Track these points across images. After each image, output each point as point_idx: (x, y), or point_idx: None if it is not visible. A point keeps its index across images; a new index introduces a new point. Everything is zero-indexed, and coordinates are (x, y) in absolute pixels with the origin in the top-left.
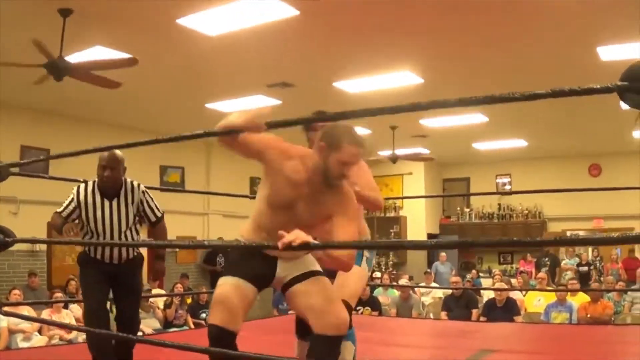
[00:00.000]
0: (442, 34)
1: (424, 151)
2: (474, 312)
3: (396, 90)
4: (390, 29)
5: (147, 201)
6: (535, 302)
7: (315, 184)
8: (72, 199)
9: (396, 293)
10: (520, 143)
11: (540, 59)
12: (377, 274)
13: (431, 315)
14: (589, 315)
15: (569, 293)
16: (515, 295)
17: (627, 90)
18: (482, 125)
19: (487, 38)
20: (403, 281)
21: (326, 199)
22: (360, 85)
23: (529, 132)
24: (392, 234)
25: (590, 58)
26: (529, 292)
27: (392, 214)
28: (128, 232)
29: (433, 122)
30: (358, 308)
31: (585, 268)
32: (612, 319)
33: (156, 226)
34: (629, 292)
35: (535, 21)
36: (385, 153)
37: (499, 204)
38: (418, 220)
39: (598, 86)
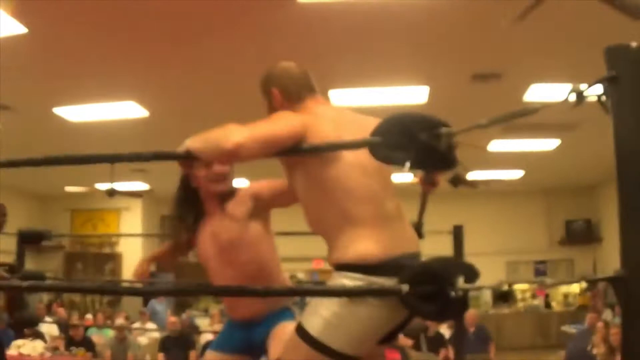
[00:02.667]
0: (169, 67)
1: (143, 185)
2: (192, 353)
3: (120, 121)
4: (116, 57)
5: None
6: None
7: None
8: None
9: (110, 333)
10: (242, 181)
11: None
12: (89, 316)
13: (148, 357)
14: None
15: None
16: None
17: (379, 145)
18: None
19: (218, 73)
20: (119, 321)
21: None
22: (83, 113)
23: (251, 170)
24: (108, 271)
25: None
26: None
27: (108, 250)
28: None
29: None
30: (71, 348)
31: None
32: None
33: None
34: None
35: (268, 59)
36: (103, 186)
37: None
38: (134, 257)
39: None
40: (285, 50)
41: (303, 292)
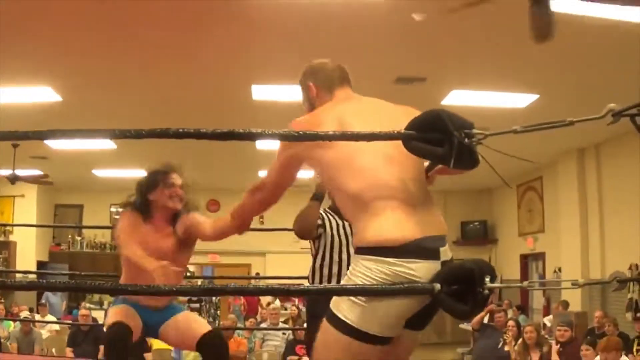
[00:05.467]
0: (86, 55)
1: (41, 173)
2: (102, 348)
3: (33, 105)
4: (30, 42)
5: None
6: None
7: None
8: None
9: (13, 325)
10: (142, 173)
11: (194, 91)
12: None
13: (54, 351)
14: None
15: None
16: None
17: (413, 139)
18: (108, 152)
19: (139, 65)
20: (25, 313)
21: None
22: None
23: (152, 164)
24: (1, 259)
25: (244, 95)
26: None
27: (2, 238)
28: None
29: (58, 143)
30: None
31: (197, 305)
32: (247, 356)
33: None
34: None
35: (193, 52)
36: (4, 172)
37: (112, 234)
38: (28, 246)
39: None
40: (213, 41)
41: (326, 290)
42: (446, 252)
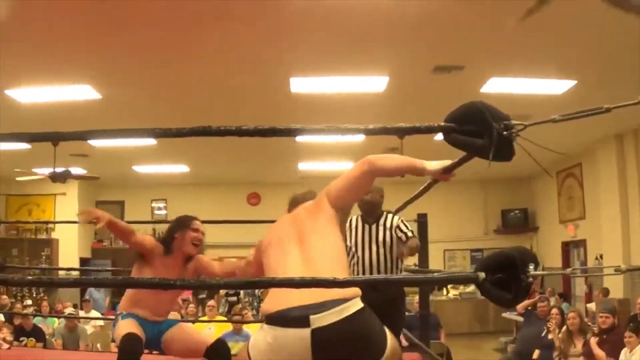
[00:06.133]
0: (124, 54)
1: (82, 171)
2: None
3: (73, 103)
4: (72, 42)
5: None
6: (205, 331)
7: None
8: None
9: (57, 322)
10: (182, 168)
11: (234, 86)
12: (29, 301)
13: (99, 346)
14: None
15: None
16: None
17: (453, 131)
18: (148, 148)
19: (174, 62)
20: (69, 310)
21: None
22: (35, 94)
23: (193, 158)
24: (44, 257)
25: (281, 88)
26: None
27: (44, 236)
28: None
29: (99, 141)
30: (22, 339)
31: (234, 298)
32: None
33: None
34: None
35: (227, 48)
36: (45, 170)
37: (154, 229)
38: (70, 243)
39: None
40: (250, 36)
41: (372, 281)
42: (325, 318)
